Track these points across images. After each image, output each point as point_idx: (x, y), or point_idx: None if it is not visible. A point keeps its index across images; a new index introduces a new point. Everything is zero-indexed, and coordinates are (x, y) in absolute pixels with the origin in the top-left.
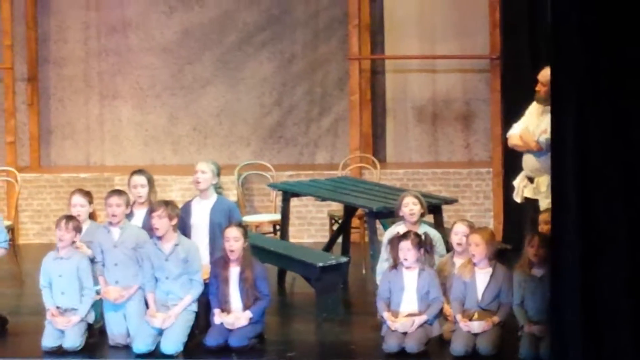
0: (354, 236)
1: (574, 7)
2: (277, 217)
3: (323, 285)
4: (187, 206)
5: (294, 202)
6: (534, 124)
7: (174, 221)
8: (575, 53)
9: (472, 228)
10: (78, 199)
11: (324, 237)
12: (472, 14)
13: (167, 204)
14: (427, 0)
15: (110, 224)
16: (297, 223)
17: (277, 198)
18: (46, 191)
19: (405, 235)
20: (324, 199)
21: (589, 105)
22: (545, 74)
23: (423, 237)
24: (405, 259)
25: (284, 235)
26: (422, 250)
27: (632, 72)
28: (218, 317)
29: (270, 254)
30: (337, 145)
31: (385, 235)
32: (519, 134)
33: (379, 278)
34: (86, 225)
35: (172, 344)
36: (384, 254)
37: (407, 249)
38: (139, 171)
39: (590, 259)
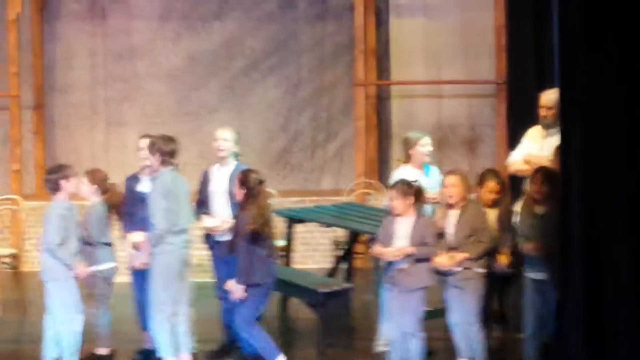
0: (358, 262)
1: (580, 31)
2: (282, 243)
3: (327, 311)
4: (206, 173)
5: (298, 227)
6: (535, 149)
7: None
8: (581, 76)
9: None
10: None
11: (328, 263)
12: (477, 39)
13: None
14: (432, 26)
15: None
16: (301, 249)
17: (281, 224)
18: None
19: (393, 185)
20: (328, 225)
21: (594, 133)
22: (548, 99)
23: (414, 185)
24: (394, 208)
25: (289, 261)
26: (409, 198)
27: (638, 93)
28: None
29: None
30: (343, 170)
31: (392, 178)
32: (523, 159)
33: None
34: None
35: None
36: None
37: (393, 198)
38: (147, 135)
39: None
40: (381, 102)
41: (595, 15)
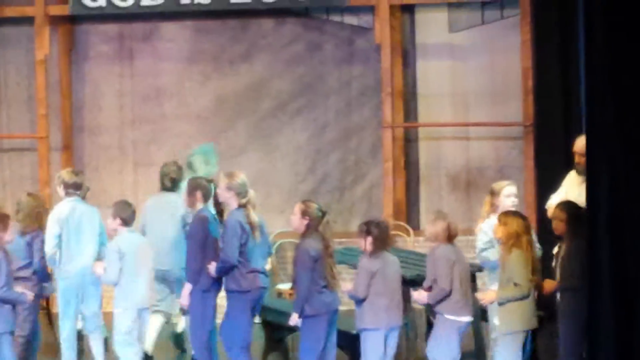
0: None
1: (606, 73)
2: None
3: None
4: None
5: None
6: (574, 194)
7: None
8: (608, 117)
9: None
10: None
11: None
12: (505, 81)
13: None
14: (459, 68)
15: None
16: None
17: None
18: None
19: None
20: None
21: (622, 175)
22: (581, 145)
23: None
24: None
25: None
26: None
27: None
28: None
29: None
30: (371, 212)
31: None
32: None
33: None
34: None
35: None
36: None
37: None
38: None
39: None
40: (409, 144)
41: (621, 57)
